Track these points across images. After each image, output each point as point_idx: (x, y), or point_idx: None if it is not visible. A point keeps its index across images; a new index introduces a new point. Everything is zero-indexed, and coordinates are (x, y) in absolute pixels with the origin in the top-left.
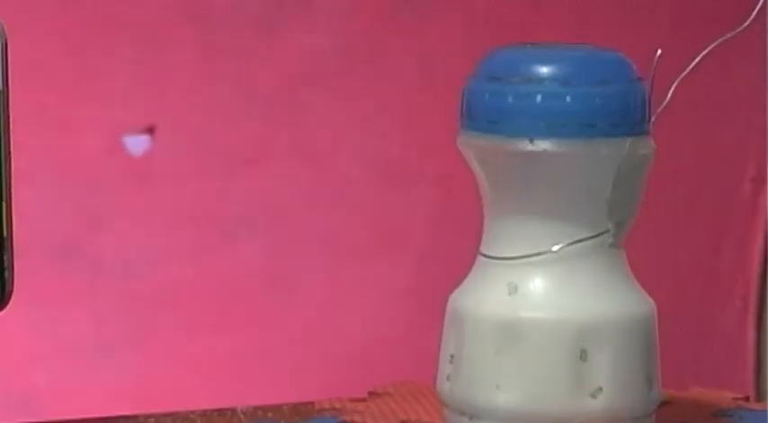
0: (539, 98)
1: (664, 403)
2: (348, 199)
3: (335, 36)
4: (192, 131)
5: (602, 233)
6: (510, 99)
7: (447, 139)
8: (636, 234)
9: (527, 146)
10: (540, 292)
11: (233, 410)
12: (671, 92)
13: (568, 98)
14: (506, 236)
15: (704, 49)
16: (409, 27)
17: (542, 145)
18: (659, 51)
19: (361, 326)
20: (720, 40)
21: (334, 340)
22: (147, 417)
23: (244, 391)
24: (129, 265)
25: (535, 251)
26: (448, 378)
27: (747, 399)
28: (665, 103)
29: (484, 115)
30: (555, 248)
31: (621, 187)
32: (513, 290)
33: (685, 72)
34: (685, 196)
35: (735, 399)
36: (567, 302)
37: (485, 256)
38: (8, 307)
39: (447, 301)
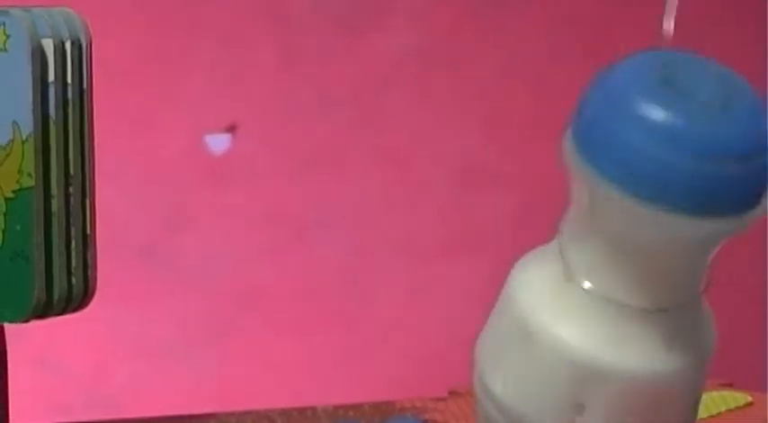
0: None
1: (747, 404)
2: (427, 200)
3: (416, 37)
4: (272, 131)
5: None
6: (700, 179)
7: (526, 141)
8: None
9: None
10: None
11: (313, 409)
12: None
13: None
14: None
15: None
16: (489, 28)
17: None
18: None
19: (440, 326)
20: None
21: (414, 340)
22: (228, 415)
23: (324, 390)
24: (209, 265)
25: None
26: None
27: None
28: None
29: (649, 180)
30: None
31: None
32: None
33: None
34: None
35: None
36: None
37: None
38: (91, 305)
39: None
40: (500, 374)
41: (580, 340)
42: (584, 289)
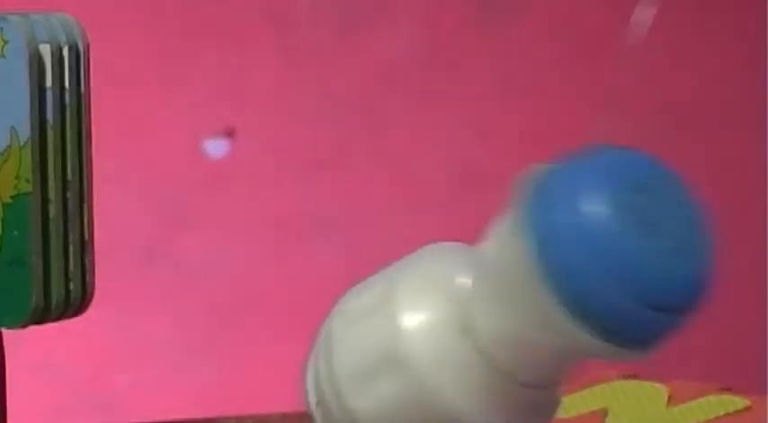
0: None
1: (745, 408)
2: (427, 202)
3: (415, 40)
4: (272, 134)
5: None
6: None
7: (526, 144)
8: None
9: None
10: None
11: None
12: None
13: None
14: None
15: None
16: (489, 32)
17: None
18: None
19: None
20: None
21: None
22: (228, 419)
23: None
24: (210, 268)
25: None
26: None
27: None
28: None
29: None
30: None
31: None
32: None
33: None
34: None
35: None
36: None
37: None
38: (90, 309)
39: None
40: (361, 390)
41: (455, 396)
42: (475, 349)
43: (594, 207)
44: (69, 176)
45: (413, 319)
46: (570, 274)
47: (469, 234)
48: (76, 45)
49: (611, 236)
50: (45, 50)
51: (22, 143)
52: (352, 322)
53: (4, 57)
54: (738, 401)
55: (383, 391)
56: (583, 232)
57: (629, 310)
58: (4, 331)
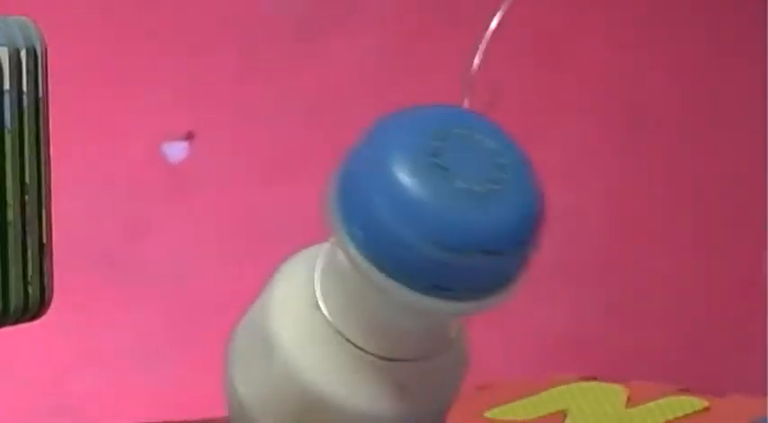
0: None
1: (704, 409)
2: None
3: (378, 42)
4: (231, 138)
5: None
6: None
7: None
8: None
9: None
10: None
11: None
12: None
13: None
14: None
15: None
16: (449, 34)
17: None
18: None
19: None
20: None
21: None
22: None
23: None
24: (170, 273)
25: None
26: None
27: None
28: None
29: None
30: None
31: None
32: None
33: None
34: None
35: None
36: None
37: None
38: (49, 314)
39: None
40: (243, 375)
41: (314, 373)
42: (327, 323)
43: (384, 154)
44: (27, 180)
45: (278, 299)
46: (363, 218)
47: None
48: (34, 48)
49: (400, 180)
50: (3, 54)
51: None
52: (244, 320)
53: None
54: (696, 402)
55: (258, 374)
56: (371, 179)
57: (423, 252)
58: None
